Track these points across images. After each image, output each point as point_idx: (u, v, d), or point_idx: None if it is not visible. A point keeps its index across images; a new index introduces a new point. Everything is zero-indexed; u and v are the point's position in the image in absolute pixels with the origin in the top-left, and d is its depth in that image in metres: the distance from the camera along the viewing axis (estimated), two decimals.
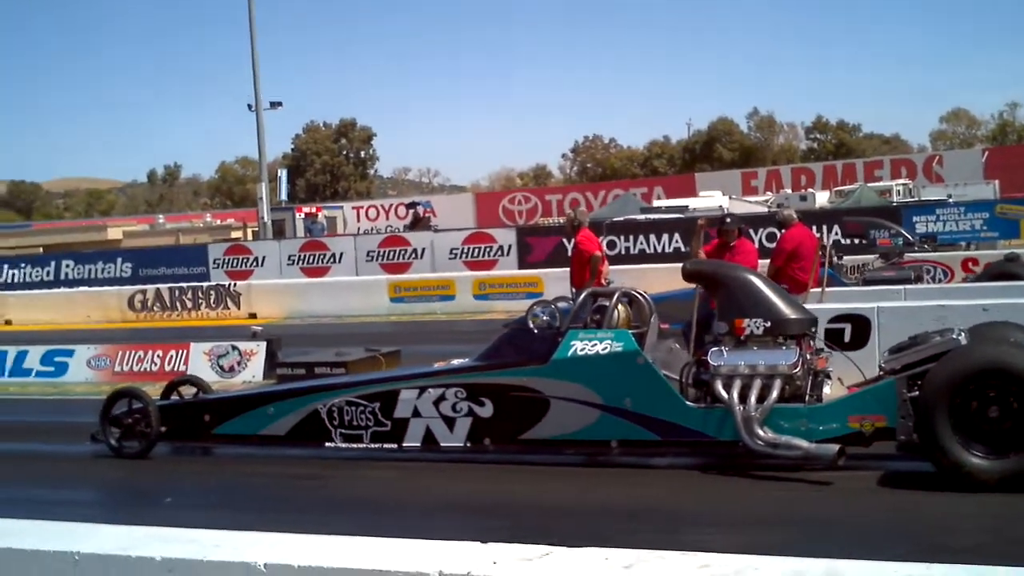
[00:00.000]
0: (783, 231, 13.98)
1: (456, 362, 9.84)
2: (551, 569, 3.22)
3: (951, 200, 33.09)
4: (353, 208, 63.47)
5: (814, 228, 20.63)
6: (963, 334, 8.10)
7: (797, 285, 13.02)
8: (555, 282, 20.65)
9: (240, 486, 9.34)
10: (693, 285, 9.29)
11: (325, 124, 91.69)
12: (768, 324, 8.45)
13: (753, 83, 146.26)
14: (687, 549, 3.38)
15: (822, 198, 44.21)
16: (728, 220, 13.53)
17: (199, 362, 15.42)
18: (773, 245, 15.99)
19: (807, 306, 11.94)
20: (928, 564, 3.11)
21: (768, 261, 13.95)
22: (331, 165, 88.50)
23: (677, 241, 28.11)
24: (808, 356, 8.50)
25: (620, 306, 9.05)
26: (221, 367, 15.26)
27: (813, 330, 8.90)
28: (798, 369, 8.28)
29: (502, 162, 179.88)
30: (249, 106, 43.21)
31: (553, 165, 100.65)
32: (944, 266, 20.77)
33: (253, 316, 26.57)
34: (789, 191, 49.60)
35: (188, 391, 11.08)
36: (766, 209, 35.63)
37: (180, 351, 15.74)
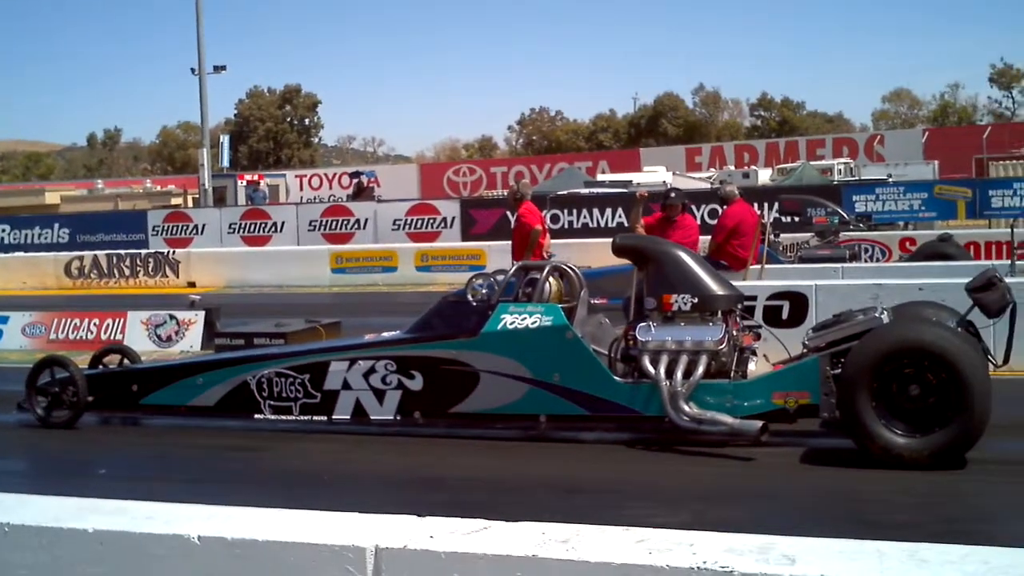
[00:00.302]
0: (725, 207, 14.08)
1: (387, 335, 9.81)
2: (488, 543, 3.22)
3: (891, 180, 33.51)
4: (296, 176, 63.06)
5: (755, 205, 20.79)
6: (885, 312, 8.22)
7: (737, 262, 13.14)
8: (498, 255, 20.67)
9: (172, 457, 9.25)
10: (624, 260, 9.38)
11: (269, 90, 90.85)
12: (695, 300, 8.48)
13: (700, 58, 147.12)
14: (624, 524, 3.39)
15: (764, 175, 44.67)
16: (672, 195, 13.57)
17: (136, 331, 15.23)
18: (715, 221, 16.11)
19: (746, 283, 12.13)
20: (862, 540, 3.15)
21: (709, 237, 14.07)
22: (275, 132, 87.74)
23: (620, 216, 28.17)
24: (734, 332, 8.57)
25: (552, 280, 9.03)
26: (159, 336, 15.09)
27: (739, 307, 8.98)
28: (724, 345, 8.34)
29: (448, 133, 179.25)
30: (192, 70, 42.65)
31: (499, 137, 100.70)
32: (882, 245, 21.06)
33: (192, 285, 26.29)
34: (732, 168, 49.98)
35: (116, 362, 10.95)
36: (709, 185, 35.89)
37: (117, 320, 15.53)
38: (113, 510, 3.83)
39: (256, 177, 53.34)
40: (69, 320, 15.81)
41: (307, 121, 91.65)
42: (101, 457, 9.29)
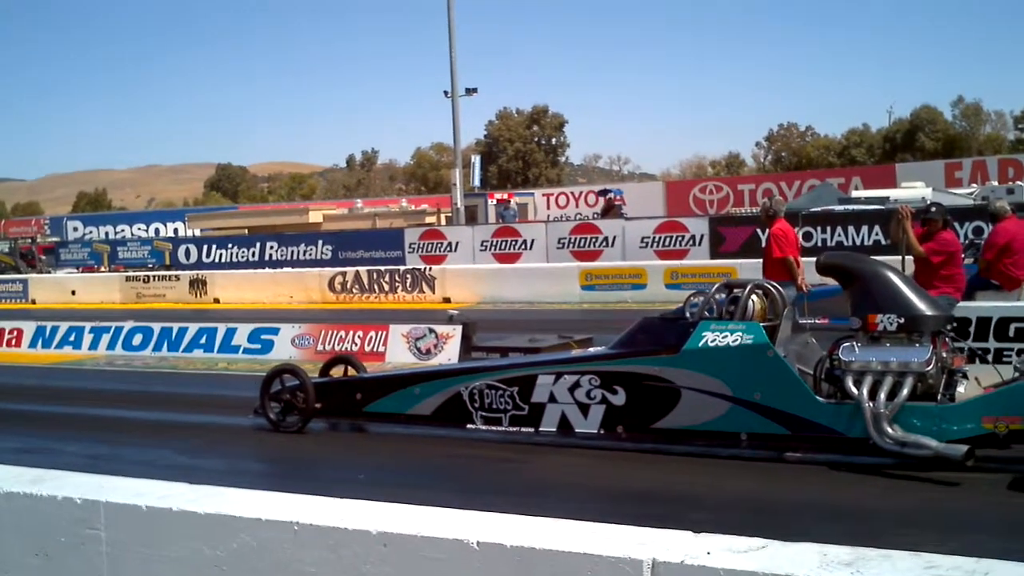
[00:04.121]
0: (995, 224, 13.33)
1: (592, 350, 9.93)
2: (767, 562, 3.16)
3: None
4: (543, 195, 63.80)
5: None
6: None
7: (1010, 281, 12.47)
8: (749, 272, 20.26)
9: (432, 466, 9.55)
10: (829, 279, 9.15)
11: (518, 111, 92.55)
12: (902, 320, 8.29)
13: (959, 70, 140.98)
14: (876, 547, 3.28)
15: None
16: (933, 210, 12.89)
17: (398, 343, 15.80)
18: (981, 239, 15.32)
19: (1021, 303, 11.50)
20: None
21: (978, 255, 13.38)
22: (523, 152, 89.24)
23: (877, 233, 27.18)
24: (943, 354, 8.31)
25: (755, 298, 8.95)
26: (419, 349, 15.58)
27: (948, 327, 8.70)
28: (931, 367, 8.13)
29: (693, 150, 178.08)
30: (445, 93, 43.97)
31: (746, 153, 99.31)
32: None
33: (447, 300, 27.03)
34: (995, 183, 47.42)
35: (343, 372, 11.48)
36: (971, 201, 34.20)
37: (379, 332, 16.14)
38: (394, 513, 3.98)
39: (506, 196, 54.34)
40: (335, 332, 16.54)
41: (554, 141, 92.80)
42: (364, 463, 9.68)
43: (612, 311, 24.46)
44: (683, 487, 8.25)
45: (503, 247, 33.53)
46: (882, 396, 8.05)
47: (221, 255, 38.15)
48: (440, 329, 15.61)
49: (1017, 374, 8.05)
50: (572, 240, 32.68)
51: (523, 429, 9.60)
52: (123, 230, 63.92)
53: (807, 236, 28.19)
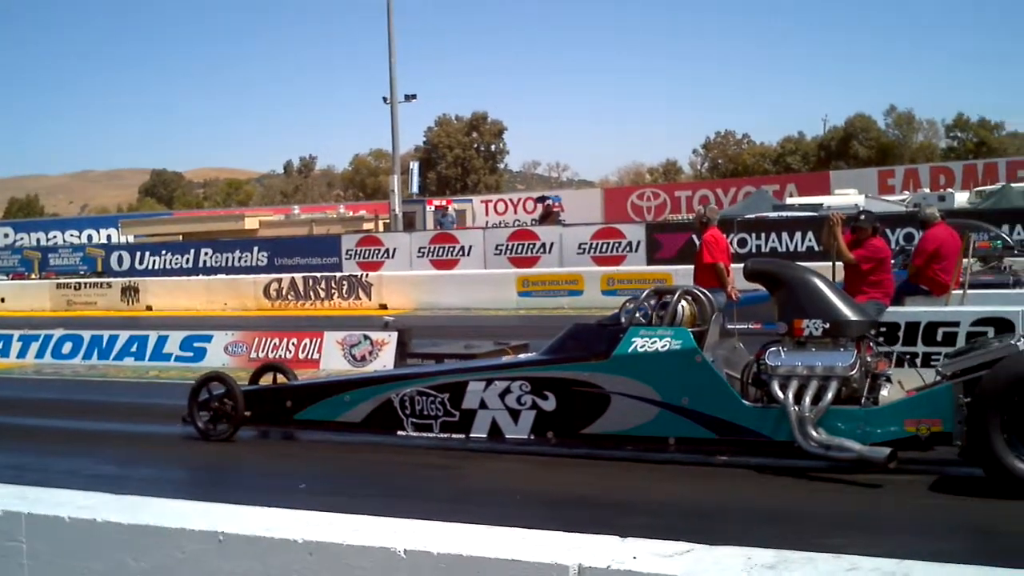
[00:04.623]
0: (924, 231, 13.51)
1: (523, 356, 9.97)
2: (692, 566, 3.17)
3: None
4: (482, 202, 63.81)
5: None
6: (1023, 340, 7.92)
7: (938, 286, 12.64)
8: (685, 278, 20.39)
9: (364, 473, 9.51)
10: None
11: (457, 117, 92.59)
12: (827, 325, 8.43)
13: (892, 79, 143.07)
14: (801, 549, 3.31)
15: (961, 198, 42.88)
16: (862, 217, 13.02)
17: (332, 351, 15.70)
18: (910, 246, 15.55)
19: (948, 308, 11.68)
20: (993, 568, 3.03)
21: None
22: (462, 158, 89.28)
23: (810, 239, 27.55)
24: (867, 359, 8.44)
25: (684, 304, 9.04)
26: (353, 356, 15.50)
27: (873, 332, 8.86)
28: (855, 371, 8.25)
29: (631, 157, 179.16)
30: (384, 99, 43.83)
31: (683, 161, 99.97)
32: None
33: (384, 307, 26.96)
34: (927, 190, 48.19)
35: (272, 379, 11.41)
36: (904, 208, 34.74)
37: (314, 339, 16.03)
38: (321, 522, 3.94)
39: (445, 202, 54.24)
40: (269, 340, 16.40)
41: (493, 147, 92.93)
42: (302, 472, 9.59)
43: (549, 317, 24.46)
44: (613, 492, 8.26)
45: (441, 253, 33.51)
46: (807, 400, 8.15)
47: (155, 262, 37.73)
48: (375, 336, 15.55)
49: (939, 378, 8.16)
50: (510, 247, 32.75)
51: (454, 436, 9.59)
52: (55, 236, 62.79)
53: (742, 242, 28.52)
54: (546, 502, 8.14)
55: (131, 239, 49.94)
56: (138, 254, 38.89)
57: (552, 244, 32.17)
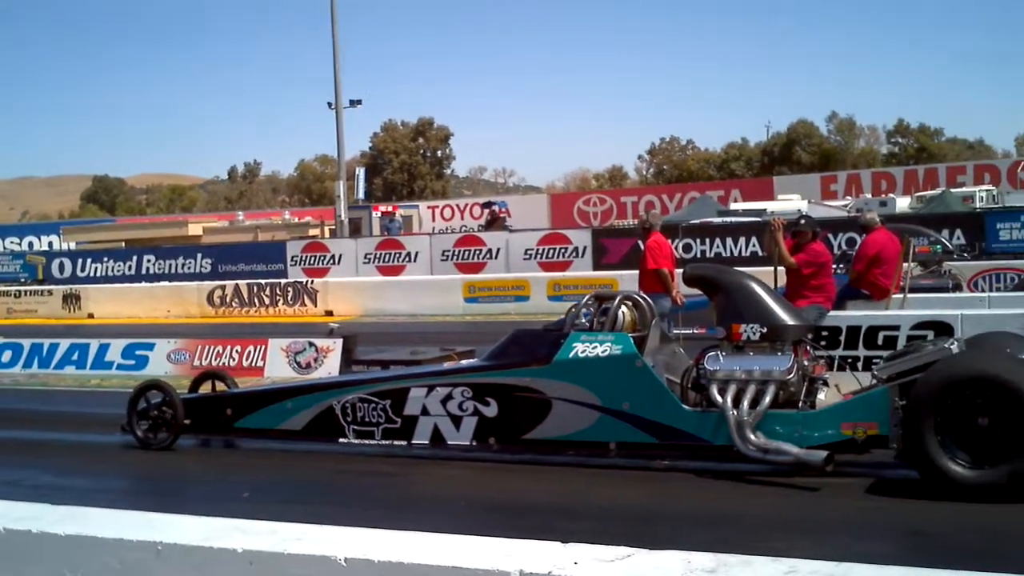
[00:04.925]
0: (865, 235, 13.66)
1: (465, 362, 9.99)
2: (633, 571, 3.19)
3: None
4: (428, 207, 63.76)
5: None
6: (956, 344, 8.09)
7: (879, 291, 12.80)
8: (630, 284, 20.47)
9: (303, 481, 9.44)
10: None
11: (403, 123, 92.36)
12: (764, 330, 8.52)
13: (833, 85, 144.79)
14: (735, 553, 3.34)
15: (903, 203, 43.51)
16: (803, 222, 13.12)
17: (277, 358, 15.59)
18: (852, 251, 15.73)
19: (889, 312, 11.83)
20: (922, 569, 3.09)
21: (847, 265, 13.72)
22: (408, 164, 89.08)
23: (754, 244, 27.77)
24: (804, 362, 8.54)
25: (625, 309, 9.10)
26: (298, 363, 15.40)
27: (810, 336, 8.98)
28: (792, 375, 8.35)
29: (578, 163, 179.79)
30: (329, 104, 43.68)
31: (629, 166, 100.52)
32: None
33: (329, 313, 26.80)
34: (869, 196, 48.85)
35: (212, 387, 11.30)
36: (846, 214, 35.16)
37: (258, 346, 15.91)
38: (262, 530, 3.90)
39: (391, 208, 54.14)
40: (212, 347, 16.24)
41: (439, 153, 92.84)
42: (244, 480, 9.51)
43: (496, 323, 24.43)
44: (555, 497, 8.29)
45: (387, 260, 33.38)
46: (745, 404, 8.23)
47: (96, 269, 37.23)
48: (320, 343, 15.45)
49: (875, 381, 8.27)
50: (456, 252, 32.70)
51: (396, 442, 9.57)
52: None
53: (687, 248, 28.69)
54: (489, 508, 8.13)
55: (73, 246, 49.33)
56: (80, 261, 38.35)
57: (498, 250, 32.17)
